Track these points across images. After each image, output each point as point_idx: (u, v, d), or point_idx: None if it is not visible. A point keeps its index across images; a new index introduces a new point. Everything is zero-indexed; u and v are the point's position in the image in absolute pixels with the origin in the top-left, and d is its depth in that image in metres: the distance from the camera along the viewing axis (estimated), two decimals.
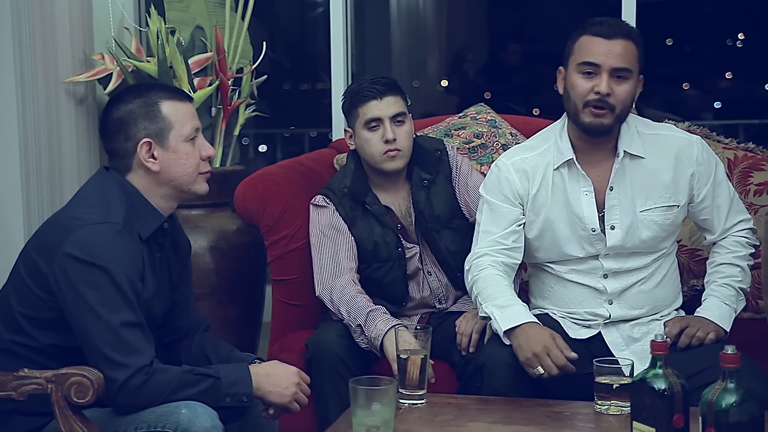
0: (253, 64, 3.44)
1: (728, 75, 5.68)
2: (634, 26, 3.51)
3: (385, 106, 2.69)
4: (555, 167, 2.46)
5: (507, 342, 2.29)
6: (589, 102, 2.36)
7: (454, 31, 6.58)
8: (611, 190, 2.42)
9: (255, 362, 2.20)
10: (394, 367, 2.39)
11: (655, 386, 1.79)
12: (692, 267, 2.89)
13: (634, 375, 2.09)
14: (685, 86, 5.45)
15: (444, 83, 5.87)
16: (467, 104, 3.40)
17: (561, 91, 2.45)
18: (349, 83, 3.89)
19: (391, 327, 2.47)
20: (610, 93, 2.34)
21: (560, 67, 2.45)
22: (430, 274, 2.77)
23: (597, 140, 2.43)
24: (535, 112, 4.45)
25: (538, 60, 6.01)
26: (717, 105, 5.41)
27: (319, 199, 2.78)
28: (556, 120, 2.57)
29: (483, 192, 2.54)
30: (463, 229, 2.75)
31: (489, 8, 6.59)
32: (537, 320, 2.33)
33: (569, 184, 2.45)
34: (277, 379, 2.11)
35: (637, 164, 2.43)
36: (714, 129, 3.12)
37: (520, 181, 2.48)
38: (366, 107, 2.70)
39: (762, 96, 5.74)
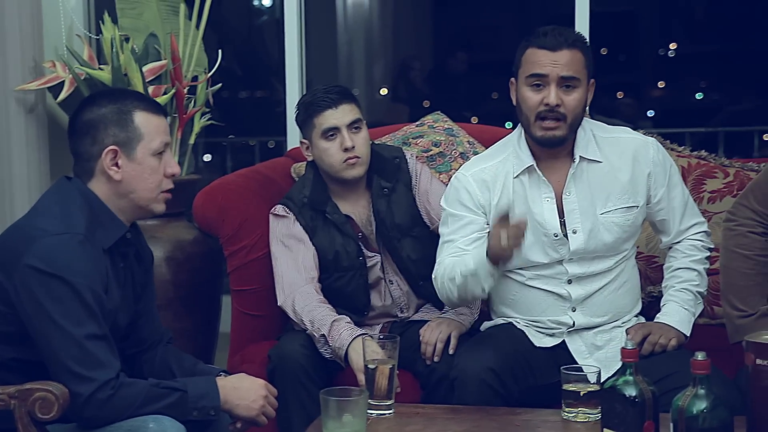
0: (209, 72, 3.41)
1: (661, 84, 5.81)
2: (586, 36, 3.58)
3: (341, 115, 2.68)
4: (515, 175, 2.47)
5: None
6: (540, 113, 2.37)
7: (400, 39, 6.61)
8: (569, 194, 2.44)
9: (220, 375, 2.18)
10: (360, 377, 2.38)
11: (626, 393, 1.80)
12: (649, 274, 2.93)
13: (601, 382, 2.11)
14: (619, 95, 5.55)
15: (383, 91, 5.89)
16: (413, 112, 3.41)
17: (514, 103, 2.47)
18: (304, 91, 3.88)
19: (356, 336, 2.46)
20: (560, 103, 2.36)
21: (512, 79, 2.46)
22: (392, 283, 2.76)
23: (553, 149, 2.45)
24: (473, 120, 4.45)
25: (483, 68, 6.07)
26: (650, 113, 5.52)
27: (278, 208, 2.76)
28: (499, 127, 2.57)
29: (444, 205, 2.54)
30: (425, 237, 2.75)
31: (434, 17, 6.64)
32: None
33: (530, 190, 2.47)
34: (245, 392, 2.08)
35: (595, 167, 2.46)
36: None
37: (481, 191, 2.49)
38: (322, 117, 2.68)
39: (693, 104, 5.88)
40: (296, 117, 2.78)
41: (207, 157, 5.39)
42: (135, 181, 2.07)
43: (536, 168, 2.45)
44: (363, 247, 2.74)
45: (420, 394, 2.56)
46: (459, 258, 2.42)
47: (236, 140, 5.37)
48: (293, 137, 3.84)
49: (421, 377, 2.57)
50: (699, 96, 5.90)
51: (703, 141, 4.96)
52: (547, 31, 2.38)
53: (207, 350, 3.29)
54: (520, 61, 2.42)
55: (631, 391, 1.80)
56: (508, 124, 3.72)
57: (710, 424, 1.69)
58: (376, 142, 2.94)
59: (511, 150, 2.50)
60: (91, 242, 1.98)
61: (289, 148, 3.70)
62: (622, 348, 1.84)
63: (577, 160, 2.44)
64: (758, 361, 1.74)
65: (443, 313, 2.68)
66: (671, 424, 1.73)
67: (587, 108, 2.49)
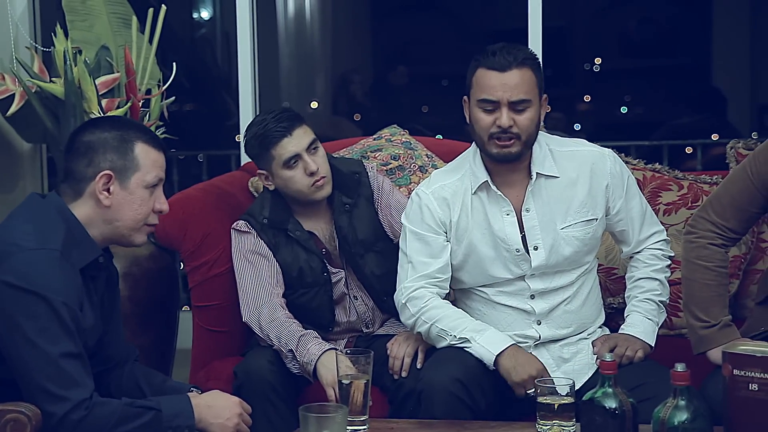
0: (163, 85, 3.37)
1: (587, 98, 5.92)
2: (537, 51, 3.63)
3: (297, 141, 2.64)
4: (473, 192, 2.48)
5: (492, 367, 2.32)
6: (493, 134, 2.39)
7: (340, 52, 6.61)
8: (528, 211, 2.46)
9: (192, 391, 2.15)
10: (329, 392, 2.37)
11: (606, 405, 1.82)
12: (609, 285, 2.96)
13: (574, 393, 2.13)
14: (547, 109, 5.64)
15: (314, 105, 5.89)
16: (353, 126, 3.41)
17: (468, 121, 2.46)
18: (257, 104, 3.85)
19: (324, 351, 2.44)
20: (512, 124, 2.37)
21: (465, 97, 2.46)
22: (357, 299, 2.75)
23: (509, 165, 2.46)
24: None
25: (422, 81, 6.12)
26: (576, 127, 5.62)
27: (240, 224, 2.73)
28: (456, 141, 2.56)
29: (406, 222, 2.54)
30: (388, 252, 2.74)
31: (373, 30, 6.66)
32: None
33: (489, 206, 2.48)
34: (220, 410, 2.06)
35: (553, 183, 2.47)
36: None
37: (441, 209, 2.49)
38: (279, 147, 2.64)
39: (618, 118, 6.01)
40: (247, 149, 2.72)
41: None
42: (123, 210, 2.06)
43: (491, 183, 2.45)
44: (327, 263, 2.73)
45: (388, 409, 2.55)
46: (456, 312, 2.44)
47: (184, 154, 5.31)
48: None
49: (388, 392, 2.56)
50: (624, 110, 6.02)
51: (643, 155, 5.06)
52: (496, 51, 2.37)
53: (164, 366, 3.23)
54: (471, 82, 2.41)
55: (611, 403, 1.82)
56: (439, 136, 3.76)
57: None
58: (335, 155, 2.94)
59: (468, 167, 2.51)
60: (67, 260, 1.95)
61: (243, 162, 3.67)
62: (601, 360, 1.86)
63: (534, 177, 2.45)
64: (735, 372, 1.78)
65: None
66: None
67: (542, 123, 2.51)
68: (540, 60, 2.47)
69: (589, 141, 2.62)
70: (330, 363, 2.40)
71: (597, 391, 1.85)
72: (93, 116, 3.06)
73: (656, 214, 3.01)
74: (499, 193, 2.46)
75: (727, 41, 5.97)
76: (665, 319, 2.87)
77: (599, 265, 2.99)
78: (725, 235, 2.45)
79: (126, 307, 3.06)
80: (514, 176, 2.47)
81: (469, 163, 2.51)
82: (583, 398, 1.89)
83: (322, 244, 2.74)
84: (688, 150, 5.14)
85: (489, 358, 2.34)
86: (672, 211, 3.03)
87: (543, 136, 2.53)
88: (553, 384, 2.16)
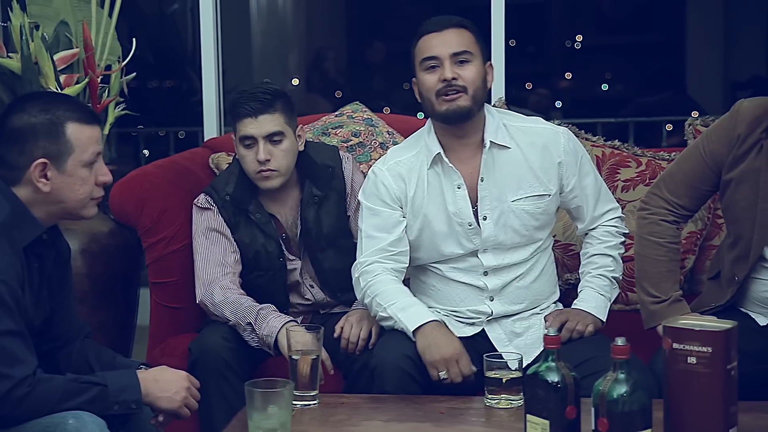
0: (123, 61, 3.34)
1: (568, 75, 5.93)
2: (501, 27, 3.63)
3: (259, 125, 2.60)
4: (428, 166, 2.48)
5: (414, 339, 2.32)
6: (440, 91, 2.41)
7: (314, 29, 6.58)
8: (482, 181, 2.46)
9: (141, 368, 2.14)
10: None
11: (548, 379, 1.83)
12: (566, 261, 2.98)
13: (523, 368, 2.14)
14: (528, 86, 5.64)
15: (295, 82, 5.87)
16: (327, 103, 3.40)
17: (419, 99, 2.49)
18: (221, 81, 3.84)
19: (285, 323, 2.44)
20: (456, 77, 2.40)
21: (413, 79, 2.50)
22: (312, 287, 2.74)
23: (462, 130, 2.45)
24: (386, 110, 4.47)
25: (397, 58, 6.09)
26: (558, 104, 5.63)
27: (201, 199, 2.71)
28: (418, 118, 2.57)
29: (362, 198, 2.54)
30: (348, 248, 2.69)
31: (348, 6, 6.62)
32: (439, 318, 2.37)
33: (443, 180, 2.48)
34: (167, 384, 2.05)
35: (506, 155, 2.47)
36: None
37: (397, 185, 2.50)
38: (242, 123, 2.62)
39: (600, 96, 6.02)
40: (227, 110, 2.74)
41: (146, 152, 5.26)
42: (64, 192, 2.02)
43: (443, 156, 2.46)
44: (285, 249, 2.71)
45: (343, 384, 2.56)
46: (393, 288, 2.43)
47: (149, 131, 5.29)
48: (210, 127, 3.80)
49: (342, 367, 2.57)
50: (604, 87, 6.03)
51: (612, 131, 5.07)
52: (432, 19, 2.46)
53: (125, 343, 3.23)
54: (414, 54, 2.47)
55: (553, 377, 1.83)
56: (420, 115, 3.75)
57: (630, 408, 1.73)
58: (315, 142, 2.90)
59: (423, 143, 2.52)
60: (7, 239, 1.93)
61: (206, 138, 3.66)
62: (545, 335, 1.87)
63: (487, 145, 2.45)
64: (675, 345, 1.79)
65: None
66: (592, 409, 1.77)
67: (489, 87, 2.51)
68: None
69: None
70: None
71: (540, 365, 1.86)
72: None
73: (615, 190, 3.04)
74: (451, 165, 2.46)
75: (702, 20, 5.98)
76: (622, 294, 2.90)
77: (557, 241, 3.01)
78: (677, 212, 2.46)
79: (84, 284, 3.07)
80: (467, 150, 2.48)
81: (424, 139, 2.51)
82: (527, 372, 1.90)
83: (283, 229, 2.72)
84: (669, 127, 5.15)
85: (410, 336, 2.34)
86: (630, 187, 3.04)
87: (498, 111, 2.54)
88: (502, 359, 2.19)
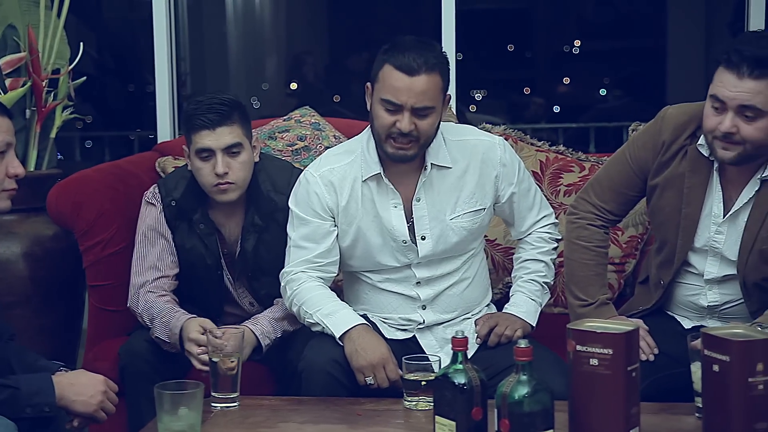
0: (70, 64, 3.35)
1: (566, 80, 5.93)
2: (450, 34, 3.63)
3: (217, 137, 2.51)
4: (363, 179, 2.45)
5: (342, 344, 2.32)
6: (392, 134, 2.34)
7: (294, 33, 6.58)
8: (418, 201, 2.45)
9: (61, 370, 2.14)
10: (195, 363, 2.36)
11: (456, 381, 1.83)
12: (507, 265, 2.99)
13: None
14: (526, 90, 5.65)
15: (293, 86, 5.87)
16: (314, 107, 3.38)
17: (368, 108, 2.40)
18: (174, 85, 3.83)
19: (186, 320, 2.41)
20: (413, 129, 2.32)
21: (368, 84, 2.39)
22: (253, 306, 2.71)
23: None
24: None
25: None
26: (556, 109, 5.63)
27: (149, 194, 2.66)
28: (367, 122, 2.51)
29: (293, 205, 2.49)
30: None
31: (329, 12, 6.63)
32: (366, 322, 2.37)
33: (377, 196, 2.45)
34: (82, 387, 2.04)
35: (445, 173, 2.45)
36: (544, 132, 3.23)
37: (329, 194, 2.45)
38: (198, 136, 2.53)
39: (597, 100, 6.02)
40: (180, 121, 2.68)
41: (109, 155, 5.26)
42: None
43: (383, 176, 2.42)
44: (225, 266, 2.67)
45: (274, 388, 2.56)
46: (318, 295, 2.41)
47: (117, 134, 5.29)
48: (163, 131, 3.79)
49: (275, 372, 2.56)
50: (602, 92, 6.03)
51: (573, 137, 5.08)
52: (407, 51, 2.29)
53: (70, 347, 3.23)
54: (378, 76, 2.33)
55: (460, 379, 1.83)
56: None
57: (531, 408, 1.74)
58: (276, 157, 2.84)
59: (359, 153, 2.46)
60: None
61: (159, 142, 3.66)
62: (453, 337, 1.87)
63: (429, 168, 2.42)
64: (578, 348, 1.80)
65: None
66: (495, 410, 1.77)
67: (439, 124, 2.42)
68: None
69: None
70: (191, 332, 2.36)
71: (449, 367, 1.86)
72: None
73: (557, 195, 3.05)
74: (391, 186, 2.43)
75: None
76: (560, 298, 2.91)
77: (497, 244, 3.02)
78: (604, 217, 2.47)
79: (28, 288, 3.07)
80: (407, 168, 2.43)
81: (362, 149, 2.45)
82: (437, 374, 1.91)
83: (225, 245, 2.67)
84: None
85: (338, 341, 2.34)
86: (572, 191, 3.05)
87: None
88: (424, 361, 2.19)
